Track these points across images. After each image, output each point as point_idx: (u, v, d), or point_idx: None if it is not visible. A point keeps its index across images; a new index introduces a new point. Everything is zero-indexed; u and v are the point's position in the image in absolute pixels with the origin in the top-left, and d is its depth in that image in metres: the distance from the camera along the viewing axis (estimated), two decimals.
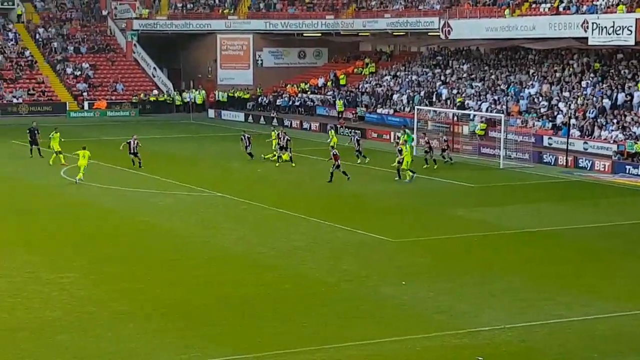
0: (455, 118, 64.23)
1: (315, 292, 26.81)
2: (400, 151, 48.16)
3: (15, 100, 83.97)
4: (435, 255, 31.58)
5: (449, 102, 70.47)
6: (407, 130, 55.43)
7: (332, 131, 60.82)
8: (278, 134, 54.18)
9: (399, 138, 54.07)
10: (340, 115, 76.11)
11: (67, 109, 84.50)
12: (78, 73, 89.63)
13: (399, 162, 47.56)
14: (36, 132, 54.57)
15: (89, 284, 27.29)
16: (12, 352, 21.43)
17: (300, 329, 23.36)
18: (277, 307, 25.22)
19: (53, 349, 21.68)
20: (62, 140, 53.08)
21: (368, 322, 23.93)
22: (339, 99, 78.79)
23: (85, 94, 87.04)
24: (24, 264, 29.45)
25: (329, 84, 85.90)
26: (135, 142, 50.47)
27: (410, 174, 47.09)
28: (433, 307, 25.28)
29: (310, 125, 73.74)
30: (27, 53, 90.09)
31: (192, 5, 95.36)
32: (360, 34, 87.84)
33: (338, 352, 21.67)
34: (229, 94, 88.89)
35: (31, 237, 33.67)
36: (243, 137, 54.97)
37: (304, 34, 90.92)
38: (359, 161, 53.10)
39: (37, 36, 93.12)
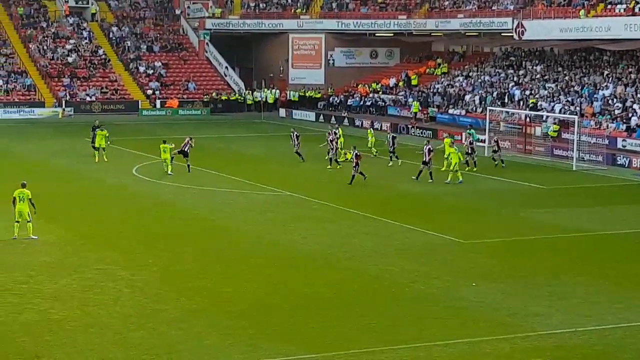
0: (528, 119, 63.57)
1: (385, 293, 26.69)
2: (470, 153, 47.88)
3: (88, 99, 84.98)
4: (506, 257, 31.25)
5: (521, 103, 69.79)
6: (472, 131, 54.84)
7: (371, 130, 59.56)
8: (334, 132, 53.84)
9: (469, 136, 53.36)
10: (414, 116, 75.71)
11: (140, 107, 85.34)
12: (150, 72, 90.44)
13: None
14: (98, 129, 54.92)
15: (161, 281, 27.46)
16: (85, 347, 21.63)
17: (369, 330, 23.24)
18: (346, 307, 25.14)
19: (124, 345, 21.83)
20: (108, 138, 53.30)
21: (438, 324, 23.75)
22: (415, 100, 78.27)
23: (157, 92, 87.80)
24: (96, 260, 29.73)
25: (400, 84, 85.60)
26: (189, 143, 49.12)
27: (459, 175, 46.50)
28: (503, 309, 25.02)
29: (381, 125, 73.50)
30: (100, 52, 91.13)
31: (264, 5, 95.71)
32: (432, 34, 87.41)
33: (407, 353, 21.53)
34: (300, 94, 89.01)
35: (104, 234, 34.00)
36: (292, 135, 54.07)
37: (376, 34, 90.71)
38: (390, 163, 52.30)
39: (111, 35, 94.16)
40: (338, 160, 51.40)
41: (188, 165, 48.04)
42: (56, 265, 29.01)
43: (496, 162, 52.57)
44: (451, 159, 46.93)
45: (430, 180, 46.27)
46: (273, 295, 26.24)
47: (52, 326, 23.01)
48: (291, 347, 21.89)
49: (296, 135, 53.79)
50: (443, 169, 48.30)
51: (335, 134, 52.86)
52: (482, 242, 33.55)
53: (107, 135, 53.07)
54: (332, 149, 51.64)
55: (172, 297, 25.76)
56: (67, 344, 21.78)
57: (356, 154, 45.37)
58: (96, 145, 52.43)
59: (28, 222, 32.15)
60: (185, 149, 48.62)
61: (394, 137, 53.12)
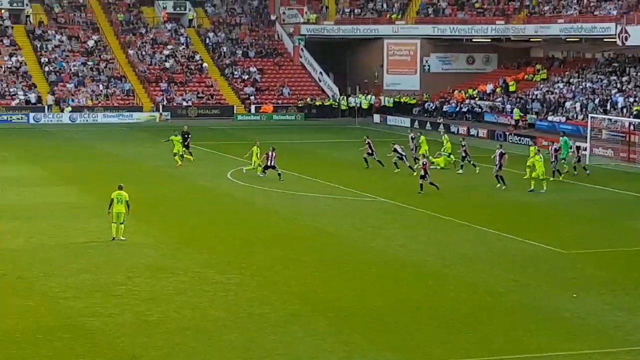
0: (632, 127, 62.06)
1: (482, 302, 26.24)
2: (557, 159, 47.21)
3: (184, 103, 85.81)
4: (610, 268, 30.44)
5: (624, 110, 68.30)
6: (565, 138, 53.72)
7: (446, 136, 57.14)
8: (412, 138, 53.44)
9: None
10: (516, 123, 74.65)
11: (235, 112, 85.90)
12: (246, 77, 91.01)
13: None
14: (187, 136, 55.30)
15: (256, 285, 27.39)
16: (180, 349, 21.67)
17: (465, 339, 22.83)
18: (442, 315, 24.77)
19: (219, 348, 21.81)
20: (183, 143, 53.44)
21: (537, 335, 23.19)
22: (516, 107, 77.15)
23: (252, 97, 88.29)
24: (192, 263, 29.83)
25: (498, 90, 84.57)
26: (272, 155, 47.83)
27: (544, 185, 45.39)
28: (607, 322, 24.31)
29: (477, 132, 72.76)
30: (197, 57, 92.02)
31: (359, 11, 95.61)
32: (531, 39, 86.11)
33: None
34: (395, 99, 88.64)
35: (200, 238, 34.14)
36: (366, 143, 52.83)
37: (473, 40, 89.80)
38: (460, 171, 51.33)
39: (207, 40, 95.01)
40: (412, 167, 50.47)
41: (279, 174, 47.61)
42: (153, 267, 29.17)
43: (576, 172, 50.96)
44: (536, 167, 45.76)
45: (499, 185, 45.55)
46: (369, 301, 25.98)
47: (148, 328, 23.12)
48: (387, 354, 21.67)
49: (368, 142, 52.78)
50: (525, 176, 47.39)
51: (412, 139, 53.16)
52: (584, 252, 32.74)
53: (180, 141, 53.27)
54: (412, 153, 51.81)
55: (267, 301, 25.67)
56: (163, 346, 21.84)
57: (424, 162, 44.76)
58: (174, 150, 52.70)
59: (121, 223, 32.43)
60: (271, 164, 47.75)
61: (464, 148, 51.95)
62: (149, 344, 21.96)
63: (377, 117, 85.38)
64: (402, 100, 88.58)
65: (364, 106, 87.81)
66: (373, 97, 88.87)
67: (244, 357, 21.30)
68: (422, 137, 54.20)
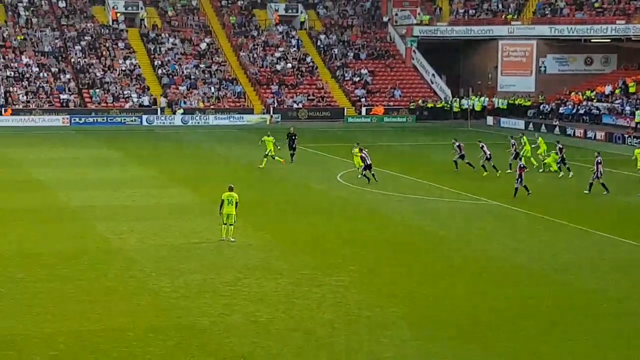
0: None
1: (596, 310, 25.67)
2: None
3: (295, 105, 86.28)
4: None
5: None
6: None
7: (542, 138, 56.42)
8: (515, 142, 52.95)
9: None
10: (636, 126, 72.99)
11: (345, 114, 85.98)
12: (357, 79, 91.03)
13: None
14: (294, 137, 55.46)
15: (364, 287, 27.29)
16: (289, 351, 21.72)
17: (576, 348, 22.38)
18: (554, 321, 24.28)
19: (327, 350, 21.77)
20: (276, 144, 53.68)
21: None
22: (636, 109, 75.38)
23: (363, 99, 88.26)
24: (301, 265, 29.90)
25: (617, 91, 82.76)
26: (366, 154, 48.08)
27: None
28: None
29: (595, 135, 71.38)
30: (308, 59, 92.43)
31: (474, 11, 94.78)
32: None
33: None
34: (509, 101, 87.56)
35: (309, 239, 34.21)
36: (455, 146, 52.39)
37: (592, 40, 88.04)
38: (561, 174, 50.37)
39: (319, 43, 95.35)
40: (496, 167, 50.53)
41: (373, 175, 47.53)
42: (262, 268, 29.30)
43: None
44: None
45: (605, 193, 44.58)
46: (479, 305, 25.67)
47: (258, 328, 23.20)
48: (499, 358, 21.37)
49: (458, 145, 52.09)
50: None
51: (513, 145, 52.61)
52: None
53: (274, 141, 53.51)
54: (510, 159, 51.15)
55: (375, 303, 25.56)
56: (272, 347, 21.90)
57: (520, 165, 43.85)
58: (265, 151, 52.95)
59: (231, 225, 32.67)
60: (369, 162, 47.74)
61: (561, 149, 50.96)
62: (257, 344, 22.04)
63: (490, 120, 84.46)
64: (516, 102, 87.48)
65: (477, 108, 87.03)
66: (486, 98, 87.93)
67: (352, 359, 21.21)
68: (540, 139, 53.72)
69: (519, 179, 43.25)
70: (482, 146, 51.22)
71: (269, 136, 53.72)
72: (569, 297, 26.67)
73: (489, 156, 50.46)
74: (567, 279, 28.67)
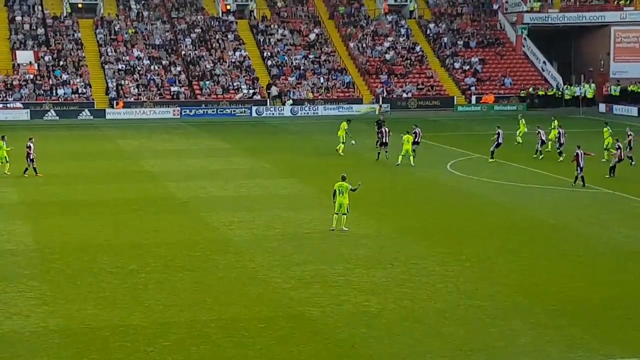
0: None
1: None
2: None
3: (404, 95, 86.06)
4: None
5: None
6: None
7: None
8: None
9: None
10: None
11: (455, 103, 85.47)
12: (467, 67, 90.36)
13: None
14: (383, 123, 55.54)
15: (475, 277, 27.15)
16: (399, 340, 21.73)
17: None
18: None
19: (439, 339, 21.74)
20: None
21: None
22: None
23: (473, 88, 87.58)
24: (411, 254, 29.85)
25: None
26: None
27: None
28: None
29: None
30: (417, 48, 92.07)
31: None
32: None
33: None
34: (622, 88, 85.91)
35: (418, 228, 34.14)
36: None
37: None
38: (634, 162, 48.69)
39: (428, 31, 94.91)
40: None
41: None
42: (372, 258, 29.36)
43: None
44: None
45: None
46: (592, 294, 25.35)
47: (367, 318, 23.27)
48: (613, 348, 21.12)
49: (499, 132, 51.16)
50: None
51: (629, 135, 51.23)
52: None
53: (346, 128, 54.30)
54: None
55: (487, 293, 25.40)
56: (382, 337, 21.94)
57: (577, 153, 42.43)
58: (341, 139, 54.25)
59: (344, 214, 32.78)
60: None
61: (630, 141, 49.91)
62: (368, 334, 22.11)
63: (602, 107, 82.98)
64: (629, 88, 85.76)
65: (589, 95, 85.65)
66: (594, 85, 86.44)
67: (463, 348, 21.15)
68: (606, 129, 52.69)
69: (578, 169, 42.26)
70: (499, 132, 50.94)
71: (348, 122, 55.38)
72: None
73: (544, 140, 51.55)
74: None
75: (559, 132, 51.83)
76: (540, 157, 51.22)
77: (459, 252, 30.16)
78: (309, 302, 24.62)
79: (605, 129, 52.97)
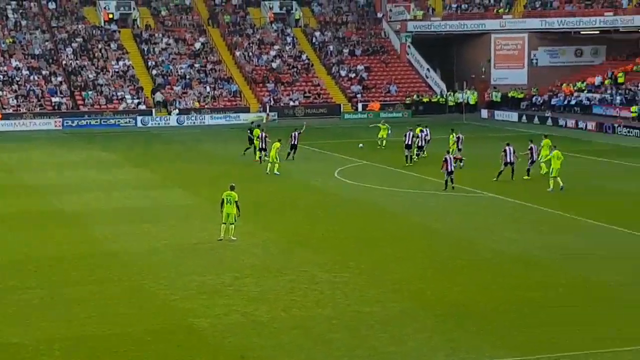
0: None
1: (592, 296, 25.86)
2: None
3: (292, 103, 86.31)
4: None
5: None
6: None
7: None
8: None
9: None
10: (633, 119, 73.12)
11: (342, 110, 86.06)
12: (352, 75, 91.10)
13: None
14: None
15: (364, 283, 27.36)
16: (288, 348, 21.78)
17: (571, 333, 22.53)
18: (552, 310, 24.45)
19: (327, 347, 21.84)
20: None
21: None
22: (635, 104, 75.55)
23: (359, 95, 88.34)
24: (299, 262, 29.93)
25: (606, 82, 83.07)
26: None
27: (560, 181, 42.87)
28: None
29: (586, 125, 71.59)
30: (303, 56, 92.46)
31: (466, 6, 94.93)
32: None
33: (615, 357, 20.91)
34: (503, 94, 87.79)
35: (307, 237, 34.24)
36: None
37: (581, 32, 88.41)
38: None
39: (314, 40, 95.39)
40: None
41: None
42: (261, 267, 29.36)
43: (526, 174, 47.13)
44: (552, 163, 43.47)
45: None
46: (478, 298, 25.77)
47: (257, 327, 23.25)
48: (496, 350, 21.48)
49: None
50: (542, 172, 46.31)
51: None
52: None
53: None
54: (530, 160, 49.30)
55: (375, 299, 25.64)
56: (271, 345, 21.97)
57: (445, 158, 42.98)
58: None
59: (232, 224, 32.73)
60: (295, 142, 51.82)
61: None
62: (257, 343, 22.10)
63: (484, 113, 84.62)
64: (509, 94, 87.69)
65: (471, 102, 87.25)
66: (476, 92, 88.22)
67: (351, 355, 21.28)
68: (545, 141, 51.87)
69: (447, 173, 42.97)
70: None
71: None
72: (566, 286, 26.78)
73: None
74: (565, 268, 28.75)
75: (458, 138, 52.54)
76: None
77: (348, 259, 30.33)
78: (197, 313, 24.48)
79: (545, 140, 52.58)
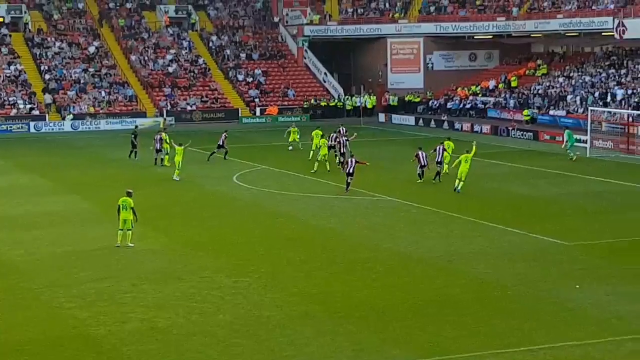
0: (631, 119, 62.20)
1: (490, 296, 26.30)
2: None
3: (189, 108, 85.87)
4: (614, 259, 30.56)
5: (623, 102, 68.32)
6: (568, 131, 54.86)
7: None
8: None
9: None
10: (527, 122, 74.41)
11: (240, 115, 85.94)
12: (250, 80, 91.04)
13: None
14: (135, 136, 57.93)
15: (264, 288, 27.39)
16: (189, 355, 21.68)
17: (474, 333, 22.89)
18: (452, 310, 24.85)
19: (228, 352, 21.81)
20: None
21: (543, 326, 23.28)
22: (527, 107, 77.00)
23: (257, 100, 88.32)
24: (199, 268, 29.82)
25: (500, 86, 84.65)
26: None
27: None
28: (610, 312, 24.49)
29: (481, 128, 72.81)
30: (200, 61, 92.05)
31: (362, 11, 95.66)
32: (532, 35, 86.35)
33: (511, 357, 21.23)
34: (400, 98, 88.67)
35: (207, 242, 34.11)
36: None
37: (475, 37, 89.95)
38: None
39: (210, 44, 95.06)
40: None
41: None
42: (160, 273, 29.18)
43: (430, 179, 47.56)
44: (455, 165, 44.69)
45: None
46: (379, 299, 26.00)
47: (156, 334, 23.10)
48: (398, 351, 21.71)
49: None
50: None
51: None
52: (587, 243, 32.86)
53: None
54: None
55: (276, 303, 25.69)
56: (171, 352, 21.85)
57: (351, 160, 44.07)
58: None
59: (129, 230, 32.47)
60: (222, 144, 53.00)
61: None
62: (156, 350, 21.95)
63: (382, 117, 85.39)
64: (406, 98, 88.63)
65: (369, 106, 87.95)
66: (374, 97, 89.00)
67: (252, 359, 21.30)
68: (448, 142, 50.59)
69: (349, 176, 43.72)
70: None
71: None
72: (464, 286, 27.23)
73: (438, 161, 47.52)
74: (462, 269, 29.23)
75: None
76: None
77: (248, 263, 30.34)
78: (94, 321, 24.18)
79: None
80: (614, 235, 34.16)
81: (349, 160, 44.21)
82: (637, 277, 28.04)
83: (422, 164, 46.26)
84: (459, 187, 43.61)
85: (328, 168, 50.72)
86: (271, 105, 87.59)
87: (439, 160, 46.81)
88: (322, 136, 53.75)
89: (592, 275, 28.45)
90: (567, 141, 54.78)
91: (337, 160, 52.08)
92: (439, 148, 47.04)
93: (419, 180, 46.47)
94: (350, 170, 43.68)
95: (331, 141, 53.07)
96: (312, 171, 50.26)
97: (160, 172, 51.71)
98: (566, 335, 22.60)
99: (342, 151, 51.93)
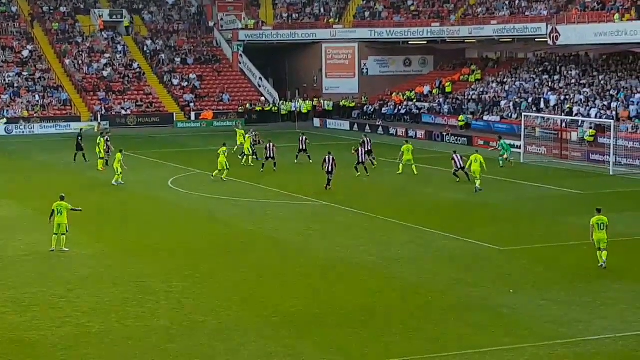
0: (564, 124, 63.15)
1: (424, 301, 26.58)
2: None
3: (123, 112, 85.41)
4: (545, 264, 30.98)
5: (557, 108, 69.35)
6: (502, 141, 55.57)
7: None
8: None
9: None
10: (462, 127, 75.12)
11: (174, 119, 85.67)
12: (185, 84, 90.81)
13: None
14: (80, 138, 58.02)
15: (199, 293, 27.42)
16: None
17: (409, 338, 23.14)
18: (387, 315, 25.06)
19: (163, 357, 21.83)
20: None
21: (476, 331, 23.59)
22: (462, 112, 77.81)
23: (192, 104, 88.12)
24: (134, 273, 29.76)
25: (434, 91, 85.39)
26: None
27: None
28: (543, 316, 24.83)
29: (415, 133, 73.39)
30: (135, 65, 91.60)
31: (297, 15, 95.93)
32: (466, 41, 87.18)
33: None
34: (335, 103, 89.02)
35: (142, 247, 34.05)
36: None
37: (410, 42, 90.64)
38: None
39: (145, 48, 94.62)
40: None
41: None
42: (95, 278, 29.08)
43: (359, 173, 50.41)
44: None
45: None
46: (314, 305, 26.18)
47: (91, 340, 23.04)
48: (332, 357, 21.87)
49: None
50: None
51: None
52: (520, 248, 33.32)
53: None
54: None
55: (211, 308, 25.73)
56: (105, 357, 21.83)
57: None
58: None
59: (63, 234, 32.31)
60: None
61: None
62: (91, 356, 21.88)
63: (317, 121, 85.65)
64: (341, 103, 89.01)
65: (304, 111, 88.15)
66: (310, 102, 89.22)
67: None
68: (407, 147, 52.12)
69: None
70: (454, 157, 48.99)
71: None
72: (398, 291, 27.50)
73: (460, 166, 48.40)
74: (396, 274, 29.49)
75: (267, 146, 53.22)
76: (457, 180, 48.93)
77: (183, 268, 30.32)
78: (28, 326, 24.05)
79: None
80: (547, 240, 34.63)
81: (326, 157, 45.95)
82: (570, 282, 28.46)
83: (459, 166, 48.18)
84: (478, 185, 45.37)
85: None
86: (206, 109, 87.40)
87: (462, 165, 48.19)
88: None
89: (526, 280, 28.85)
90: (501, 150, 54.79)
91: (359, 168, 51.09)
92: (456, 157, 48.57)
93: (458, 180, 48.32)
94: (329, 169, 45.59)
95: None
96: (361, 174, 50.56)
97: (97, 177, 51.35)
98: (499, 340, 22.89)
99: (361, 160, 50.60)
